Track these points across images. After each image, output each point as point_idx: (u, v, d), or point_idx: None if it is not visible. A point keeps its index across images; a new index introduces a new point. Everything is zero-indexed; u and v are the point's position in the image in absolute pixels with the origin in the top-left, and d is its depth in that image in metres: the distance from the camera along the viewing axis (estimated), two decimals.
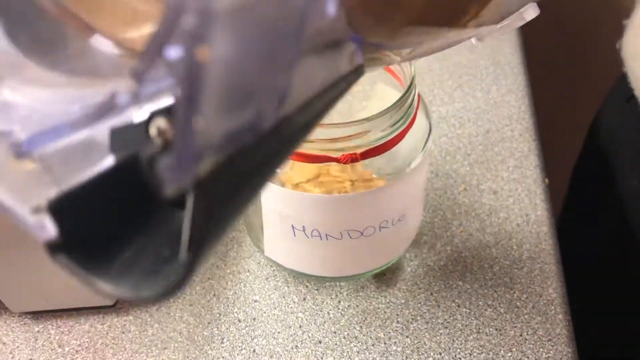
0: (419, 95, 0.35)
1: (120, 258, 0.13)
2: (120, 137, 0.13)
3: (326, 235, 0.35)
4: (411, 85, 0.33)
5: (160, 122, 0.12)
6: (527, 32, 0.60)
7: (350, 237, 0.35)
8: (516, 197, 0.44)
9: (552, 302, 0.39)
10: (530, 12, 0.24)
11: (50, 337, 0.38)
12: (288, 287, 0.40)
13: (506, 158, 0.47)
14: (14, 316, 0.39)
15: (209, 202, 0.12)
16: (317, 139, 0.31)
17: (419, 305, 0.39)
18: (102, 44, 0.19)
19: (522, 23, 0.24)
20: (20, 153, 0.14)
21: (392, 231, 0.36)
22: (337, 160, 0.32)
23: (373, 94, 0.39)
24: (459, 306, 0.38)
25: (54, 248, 0.13)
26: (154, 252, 0.13)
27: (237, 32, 0.10)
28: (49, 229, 0.13)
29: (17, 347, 0.37)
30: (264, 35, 0.11)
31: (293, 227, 0.35)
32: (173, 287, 0.12)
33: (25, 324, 0.38)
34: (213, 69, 0.10)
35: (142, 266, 0.13)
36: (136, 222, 0.13)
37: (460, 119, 0.51)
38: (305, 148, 0.32)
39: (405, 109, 0.33)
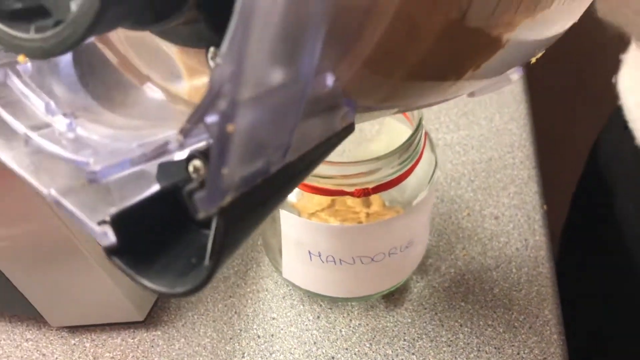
0: (425, 132, 0.39)
1: (159, 262, 0.17)
2: (165, 170, 0.18)
3: (340, 260, 0.38)
4: (419, 126, 0.36)
5: (196, 162, 0.17)
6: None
7: (362, 263, 0.38)
8: (516, 223, 0.48)
9: (547, 323, 0.42)
10: (515, 75, 0.27)
11: (85, 350, 0.41)
12: (303, 305, 0.43)
13: (507, 185, 0.50)
14: (52, 330, 0.42)
15: (227, 225, 0.16)
16: (333, 176, 0.35)
17: (424, 324, 0.42)
18: (153, 91, 0.24)
19: (508, 84, 0.27)
20: (94, 180, 0.18)
21: (400, 256, 0.39)
22: (351, 194, 0.35)
23: (383, 127, 0.42)
24: (461, 325, 0.42)
25: (111, 252, 0.17)
26: (185, 259, 0.17)
27: (254, 112, 0.15)
28: (110, 237, 0.17)
29: (56, 358, 0.41)
30: (274, 111, 0.15)
31: (310, 252, 0.38)
32: (198, 286, 0.16)
33: (62, 337, 0.42)
34: (236, 136, 0.14)
35: (176, 269, 0.17)
36: (173, 235, 0.18)
37: (464, 146, 0.54)
38: (322, 183, 0.35)
39: (413, 148, 0.36)
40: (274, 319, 0.42)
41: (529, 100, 0.59)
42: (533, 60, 0.27)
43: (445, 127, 0.56)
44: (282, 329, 0.42)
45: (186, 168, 0.17)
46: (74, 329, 0.42)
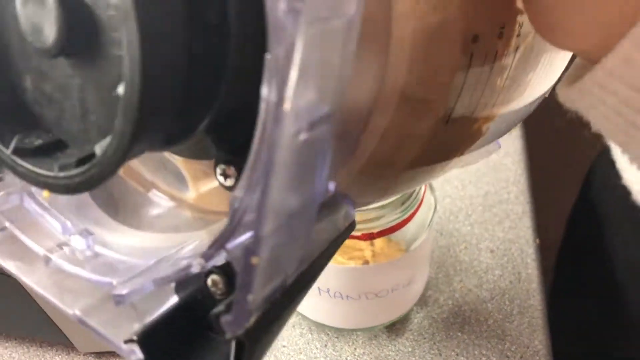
0: None
1: None
2: (184, 283, 0.19)
3: (347, 296, 0.41)
4: None
5: (215, 277, 0.18)
6: None
7: (367, 298, 0.42)
8: (510, 256, 0.51)
9: (537, 353, 0.45)
10: (495, 147, 0.31)
11: None
12: (312, 334, 0.46)
13: (503, 219, 0.54)
14: (80, 355, 0.46)
15: (254, 342, 0.17)
16: None
17: (424, 353, 0.45)
18: (158, 197, 0.26)
19: (487, 156, 0.31)
20: (121, 302, 0.20)
21: (402, 292, 0.43)
22: (358, 237, 0.39)
23: None
24: (457, 355, 0.45)
25: None
26: None
27: (276, 240, 0.16)
28: (138, 354, 0.18)
29: None
30: (292, 233, 0.17)
31: (319, 288, 0.41)
32: None
33: None
34: (260, 266, 0.16)
35: None
36: (194, 345, 0.19)
37: (462, 181, 0.57)
38: None
39: (414, 196, 0.39)
40: (284, 346, 0.46)
41: (524, 136, 0.62)
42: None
43: None
44: (291, 357, 0.45)
45: (205, 281, 0.19)
46: (100, 355, 0.45)
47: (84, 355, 0.46)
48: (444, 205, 0.55)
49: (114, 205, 0.25)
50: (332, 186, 0.20)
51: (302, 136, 0.15)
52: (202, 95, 0.17)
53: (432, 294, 0.49)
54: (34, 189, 0.22)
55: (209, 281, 0.18)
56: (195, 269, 0.19)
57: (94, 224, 0.23)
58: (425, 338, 0.46)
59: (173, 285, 0.20)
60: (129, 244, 0.23)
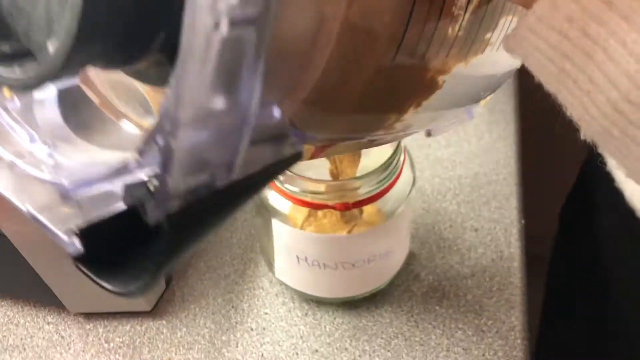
0: (405, 151, 0.43)
1: (121, 269, 0.20)
2: (130, 190, 0.20)
3: (324, 265, 0.43)
4: (397, 150, 0.40)
5: (155, 181, 0.19)
6: (525, 80, 0.67)
7: (344, 268, 0.43)
8: (494, 235, 0.52)
9: (513, 329, 0.46)
10: (467, 117, 0.32)
11: (98, 334, 0.46)
12: (294, 303, 0.48)
13: (490, 199, 0.55)
14: (70, 315, 0.47)
15: (175, 230, 0.18)
16: (318, 192, 0.39)
17: (401, 324, 0.46)
18: (128, 127, 0.28)
19: (457, 125, 0.31)
20: (65, 197, 0.21)
21: (379, 264, 0.44)
22: (333, 207, 0.40)
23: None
24: (434, 327, 0.46)
25: (77, 259, 0.20)
26: (143, 266, 0.20)
27: (196, 132, 0.17)
28: (77, 246, 0.20)
29: (72, 340, 0.46)
30: (216, 133, 0.18)
31: (297, 257, 0.43)
32: (147, 283, 0.19)
33: (79, 322, 0.47)
34: (179, 151, 0.17)
35: (133, 274, 0.20)
36: (135, 247, 0.20)
37: (453, 162, 0.58)
38: (308, 197, 0.40)
39: (392, 168, 0.40)
40: (266, 313, 0.47)
41: (519, 121, 0.62)
42: (482, 102, 0.32)
43: (437, 143, 0.60)
44: (273, 323, 0.47)
45: (147, 187, 0.20)
46: (89, 316, 0.47)
47: (74, 315, 0.47)
48: (433, 185, 0.56)
49: (85, 128, 0.26)
50: (277, 112, 0.20)
51: (223, 30, 0.15)
52: (152, 8, 0.18)
53: (414, 269, 0.50)
54: (9, 104, 0.24)
55: (151, 186, 0.19)
56: (132, 165, 0.20)
57: (61, 141, 0.25)
58: (403, 310, 0.47)
59: (121, 193, 0.21)
60: (92, 159, 0.25)
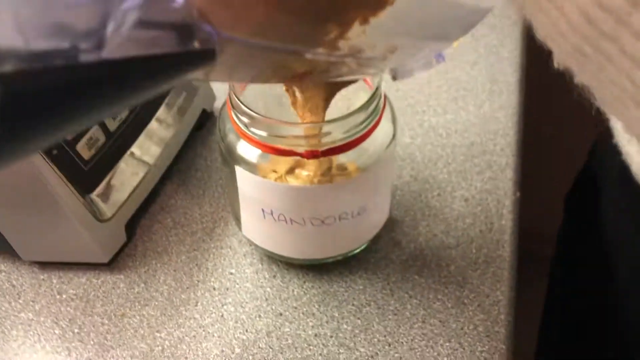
0: (386, 102, 0.40)
1: None
2: None
3: (290, 220, 0.39)
4: (374, 94, 0.37)
5: None
6: (532, 58, 0.63)
7: (312, 224, 0.39)
8: (484, 206, 0.48)
9: (497, 303, 0.42)
10: (438, 59, 0.28)
11: (52, 285, 0.43)
12: (262, 264, 0.44)
13: (484, 169, 0.51)
14: (24, 264, 0.45)
15: (7, 98, 0.13)
16: (284, 135, 0.36)
17: (375, 292, 0.43)
18: None
19: (426, 69, 0.27)
20: None
21: (352, 223, 0.40)
22: (301, 155, 0.37)
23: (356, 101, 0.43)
24: (410, 297, 0.42)
25: None
26: None
27: None
28: None
29: (24, 290, 0.43)
30: None
31: (263, 210, 0.39)
32: None
33: (33, 271, 0.44)
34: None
35: None
36: None
37: (448, 130, 0.54)
38: (273, 142, 0.36)
39: (368, 114, 0.37)
40: (231, 274, 0.44)
41: (522, 92, 0.58)
42: (455, 44, 0.28)
43: (433, 110, 0.56)
44: (237, 284, 0.43)
45: None
46: (44, 265, 0.44)
47: (28, 264, 0.45)
48: (424, 152, 0.52)
49: None
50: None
51: None
52: None
53: (395, 236, 0.46)
54: None
55: None
56: None
57: None
58: (379, 278, 0.44)
59: None
60: None
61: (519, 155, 0.52)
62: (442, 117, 0.55)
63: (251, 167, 0.38)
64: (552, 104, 0.80)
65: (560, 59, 0.19)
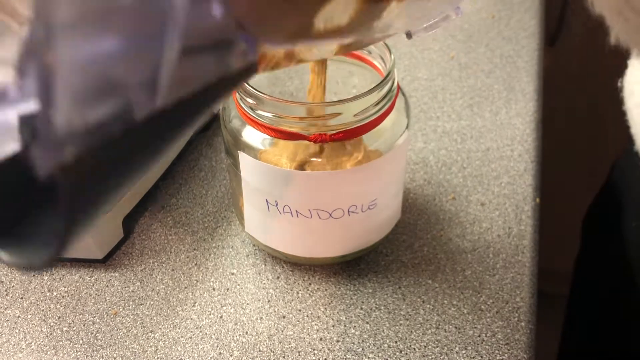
0: (399, 92, 0.38)
1: (21, 232, 0.15)
2: (24, 124, 0.14)
3: (297, 212, 0.37)
4: (387, 77, 0.35)
5: (39, 117, 0.13)
6: (552, 68, 0.61)
7: (320, 218, 0.37)
8: (502, 211, 0.45)
9: (517, 310, 0.39)
10: (457, 12, 0.26)
11: (42, 282, 0.41)
12: (265, 265, 0.42)
13: (501, 174, 0.48)
14: None
15: (76, 190, 0.13)
16: (290, 116, 0.34)
17: (385, 296, 0.40)
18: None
19: (442, 24, 0.26)
20: None
21: (362, 218, 0.38)
22: (308, 138, 0.34)
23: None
24: (423, 302, 0.39)
25: None
26: (47, 228, 0.15)
27: (85, 37, 0.12)
28: None
29: (13, 286, 0.41)
30: (124, 37, 0.13)
31: (267, 201, 0.37)
32: (51, 257, 0.14)
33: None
34: (62, 69, 0.11)
35: (38, 239, 0.15)
36: (28, 205, 0.15)
37: (463, 135, 0.52)
38: (279, 124, 0.34)
39: (379, 98, 0.35)
40: (233, 274, 0.41)
41: (540, 100, 0.56)
42: None
43: (447, 116, 0.54)
44: (238, 284, 0.41)
45: (33, 124, 0.14)
46: None
47: None
48: (438, 157, 0.50)
49: None
50: (217, 10, 0.15)
51: None
52: None
53: (407, 239, 0.43)
54: None
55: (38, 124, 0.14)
56: (13, 91, 0.14)
57: None
58: (390, 281, 0.41)
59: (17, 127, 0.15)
60: None
61: (538, 162, 0.50)
62: (457, 123, 0.53)
63: (256, 153, 0.36)
64: (569, 125, 0.78)
65: (623, 33, 0.17)
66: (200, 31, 0.15)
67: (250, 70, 0.18)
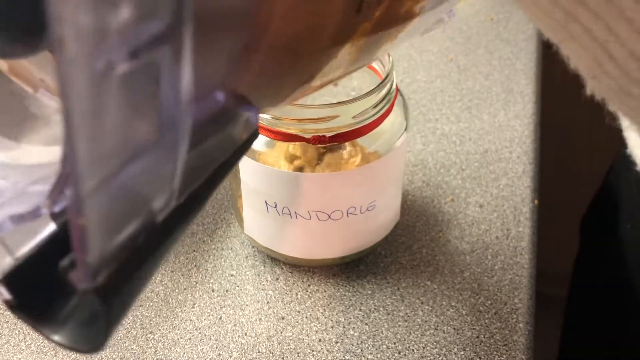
0: (397, 94, 0.38)
1: (63, 310, 0.16)
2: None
3: (296, 214, 0.37)
4: (385, 79, 0.35)
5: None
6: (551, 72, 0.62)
7: (319, 219, 0.37)
8: (501, 212, 0.45)
9: (515, 311, 0.39)
10: (449, 16, 0.26)
11: None
12: (264, 267, 0.42)
13: (499, 176, 0.48)
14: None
15: (108, 299, 0.15)
16: (288, 118, 0.34)
17: (384, 297, 0.40)
18: (48, 98, 0.22)
19: (436, 28, 0.26)
20: None
21: (361, 219, 0.38)
22: (307, 140, 0.35)
23: None
24: (422, 303, 0.40)
25: (11, 306, 0.16)
26: (87, 307, 0.16)
27: (107, 198, 0.13)
28: (5, 294, 0.16)
29: None
30: (143, 169, 0.14)
31: (266, 203, 0.37)
32: (97, 348, 0.16)
33: None
34: (90, 226, 0.13)
35: (79, 318, 0.16)
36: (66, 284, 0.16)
37: (461, 137, 0.52)
38: (277, 126, 0.34)
39: (376, 102, 0.35)
40: (232, 275, 0.41)
41: (538, 102, 0.56)
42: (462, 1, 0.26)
43: (446, 118, 0.54)
44: (237, 286, 0.41)
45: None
46: None
47: None
48: (436, 158, 0.50)
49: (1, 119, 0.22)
50: (220, 96, 0.16)
51: (121, 69, 0.11)
52: None
53: (405, 240, 0.44)
54: None
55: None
56: (44, 211, 0.16)
57: None
58: (389, 283, 0.41)
59: (47, 212, 0.17)
60: (4, 160, 0.20)
61: (536, 164, 0.50)
62: (455, 125, 0.53)
63: (255, 155, 0.36)
64: (568, 126, 0.78)
65: (597, 92, 0.17)
66: (205, 120, 0.15)
67: (253, 136, 0.18)
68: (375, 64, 0.38)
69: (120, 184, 0.13)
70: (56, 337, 0.16)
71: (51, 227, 0.17)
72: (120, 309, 0.16)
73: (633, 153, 0.45)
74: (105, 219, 0.13)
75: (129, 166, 0.13)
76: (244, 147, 0.18)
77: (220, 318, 0.39)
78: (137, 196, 0.14)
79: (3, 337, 0.38)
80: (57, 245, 0.16)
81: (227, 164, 0.17)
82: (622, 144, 0.51)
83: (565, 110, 0.77)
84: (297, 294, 0.40)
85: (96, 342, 0.15)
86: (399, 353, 0.37)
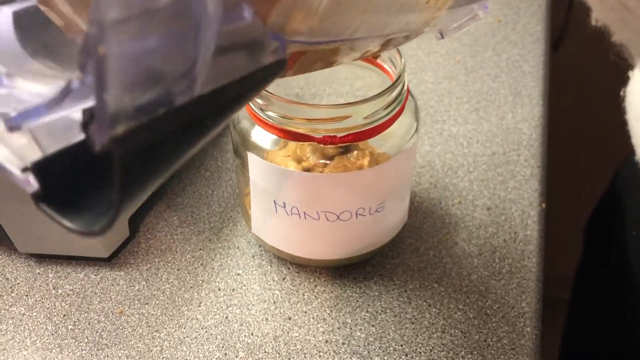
0: (408, 95, 0.38)
1: (83, 205, 0.18)
2: (89, 115, 0.17)
3: (304, 214, 0.37)
4: (397, 80, 0.35)
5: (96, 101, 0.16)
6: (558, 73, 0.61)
7: (327, 220, 0.37)
8: (508, 215, 0.45)
9: (523, 315, 0.39)
10: (481, 11, 0.26)
11: (47, 280, 0.41)
12: (271, 266, 0.42)
13: (507, 179, 0.48)
14: (20, 257, 0.42)
15: (125, 157, 0.15)
16: (299, 118, 0.34)
17: (391, 299, 0.40)
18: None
19: (471, 22, 0.26)
20: (11, 127, 0.18)
21: (370, 220, 0.38)
22: (317, 140, 0.34)
23: None
24: (429, 305, 0.39)
25: (37, 197, 0.18)
26: (104, 201, 0.17)
27: (132, 34, 0.14)
28: (33, 184, 0.17)
29: (18, 283, 0.41)
30: (164, 37, 0.15)
31: (275, 203, 0.37)
32: (108, 223, 0.17)
33: (29, 265, 0.42)
34: (112, 59, 0.14)
35: (96, 211, 0.18)
36: (95, 180, 0.18)
37: (469, 139, 0.52)
38: (287, 125, 0.34)
39: (387, 103, 0.35)
40: (238, 274, 0.41)
41: (546, 105, 0.56)
42: None
43: (454, 120, 0.54)
44: (244, 285, 0.41)
45: (92, 109, 0.16)
46: (40, 259, 0.42)
47: (24, 257, 0.42)
48: (444, 160, 0.50)
49: (47, 55, 0.23)
50: (248, 13, 0.17)
51: None
52: None
53: (413, 242, 0.43)
54: None
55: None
56: (76, 84, 0.17)
57: (18, 69, 0.22)
58: (396, 285, 0.41)
59: (80, 121, 0.18)
60: (44, 85, 0.21)
61: (544, 167, 0.50)
62: (463, 127, 0.53)
63: (263, 154, 0.36)
64: (574, 129, 0.78)
65: (601, 16, 0.17)
66: (233, 31, 0.17)
67: (280, 65, 0.19)
68: (386, 65, 0.38)
69: (139, 50, 0.14)
70: (72, 225, 0.17)
71: (80, 137, 0.18)
72: (137, 185, 0.17)
73: None
74: (124, 71, 0.14)
75: (149, 33, 0.14)
76: (269, 70, 0.19)
77: (227, 317, 0.39)
78: (154, 69, 0.15)
79: (8, 333, 0.38)
80: (81, 152, 0.17)
81: (251, 82, 0.18)
82: (630, 150, 0.51)
83: (572, 112, 0.77)
84: (303, 295, 0.40)
85: (108, 217, 0.17)
86: (406, 355, 0.37)
